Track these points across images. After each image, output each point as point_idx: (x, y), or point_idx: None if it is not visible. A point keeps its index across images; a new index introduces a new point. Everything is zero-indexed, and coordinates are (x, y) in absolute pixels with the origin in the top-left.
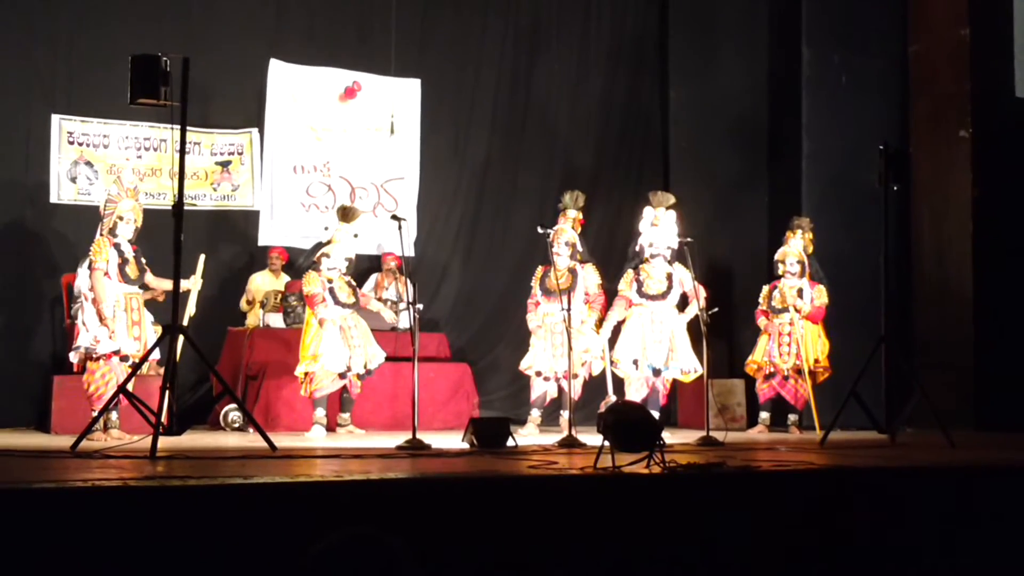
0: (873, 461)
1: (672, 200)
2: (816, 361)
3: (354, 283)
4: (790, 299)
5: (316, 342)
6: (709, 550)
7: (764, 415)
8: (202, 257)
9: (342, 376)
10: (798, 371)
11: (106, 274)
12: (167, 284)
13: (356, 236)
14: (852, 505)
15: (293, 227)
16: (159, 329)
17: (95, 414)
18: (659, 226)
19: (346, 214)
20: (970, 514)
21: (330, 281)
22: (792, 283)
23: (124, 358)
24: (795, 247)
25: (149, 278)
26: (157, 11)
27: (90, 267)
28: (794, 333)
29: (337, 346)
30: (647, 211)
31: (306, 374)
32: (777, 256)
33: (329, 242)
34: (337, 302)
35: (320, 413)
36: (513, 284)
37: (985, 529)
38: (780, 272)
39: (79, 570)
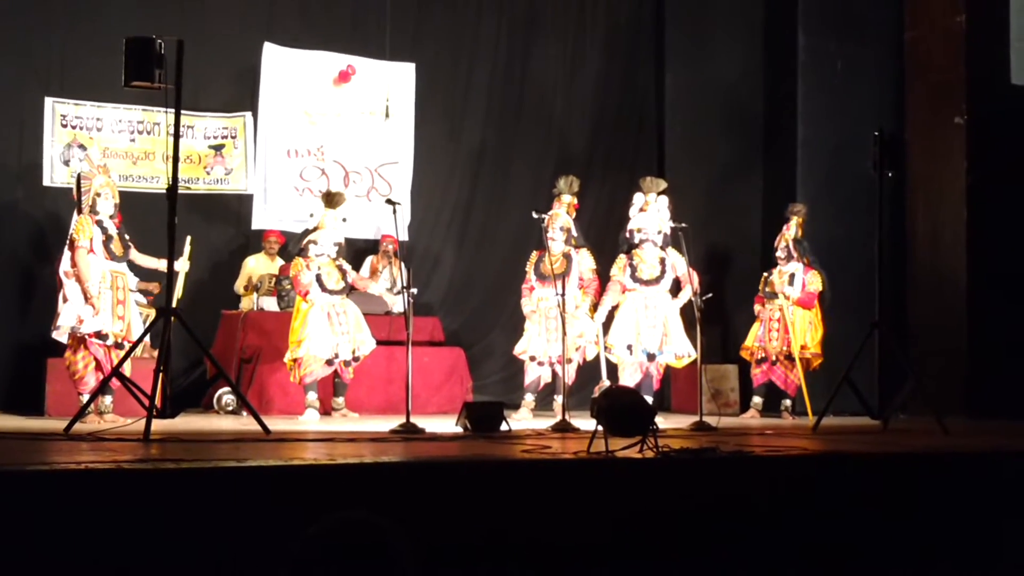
0: (866, 447)
1: (663, 185)
2: (803, 347)
3: (347, 267)
4: (778, 285)
5: (302, 327)
6: (702, 535)
7: (757, 400)
8: (188, 239)
9: (329, 363)
10: (788, 356)
11: (90, 251)
12: (152, 261)
13: (344, 220)
14: (845, 491)
15: (286, 211)
16: (151, 312)
17: (83, 397)
18: (648, 211)
19: (331, 199)
20: (963, 501)
21: (318, 268)
22: (786, 268)
23: (105, 337)
24: (788, 234)
25: (134, 254)
26: None
27: (71, 246)
28: (784, 319)
29: (323, 332)
30: (637, 197)
31: (294, 360)
32: (775, 242)
33: (316, 228)
34: (324, 289)
35: (312, 396)
36: (507, 269)
37: (978, 515)
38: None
39: (73, 552)
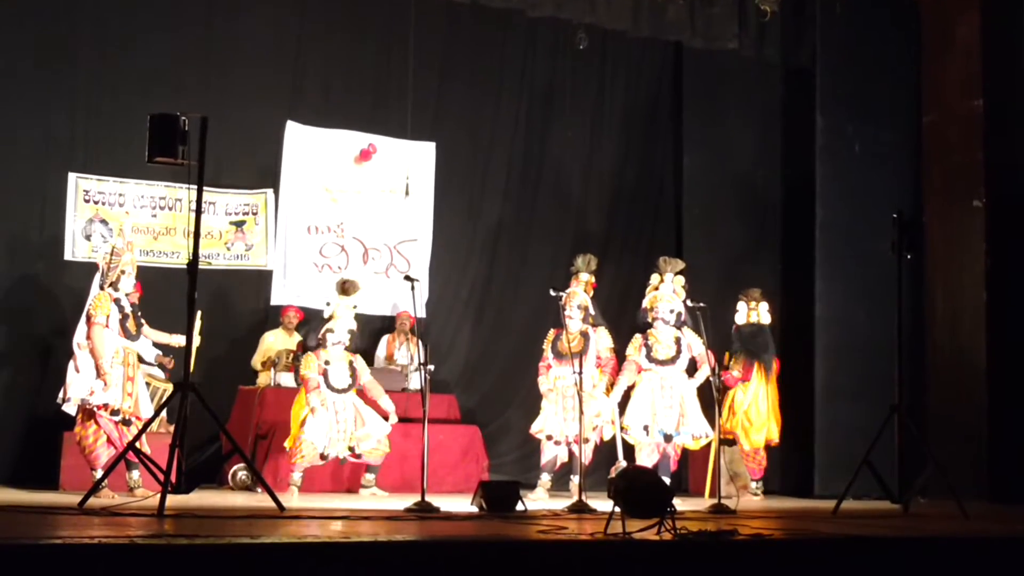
0: (886, 531)
1: (680, 265)
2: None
3: (360, 365)
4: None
5: (307, 419)
6: None
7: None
8: (199, 314)
9: (323, 457)
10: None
11: (106, 326)
12: (162, 336)
13: (355, 307)
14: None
15: (306, 287)
16: (168, 387)
17: (96, 473)
18: (660, 291)
19: (345, 288)
20: None
21: (327, 363)
22: None
23: (115, 412)
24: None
25: (147, 330)
26: (176, 72)
27: (88, 320)
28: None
29: (322, 426)
30: (653, 276)
31: (291, 447)
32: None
33: (331, 318)
34: (330, 387)
35: (296, 477)
36: (524, 347)
37: None
38: None
39: None
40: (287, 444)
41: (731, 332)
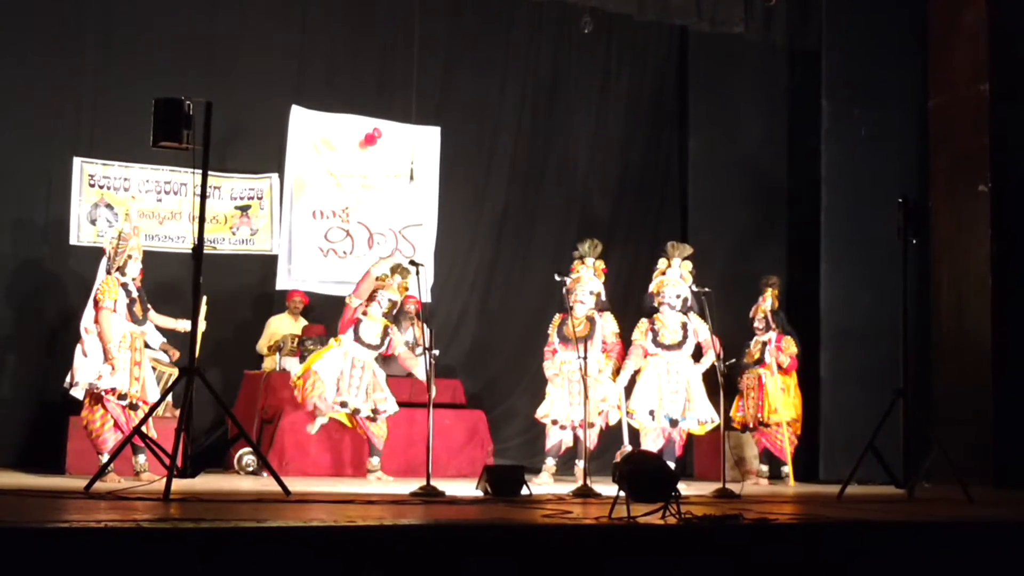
0: (891, 516)
1: (688, 251)
2: (773, 411)
3: (396, 335)
4: (758, 355)
5: (318, 357)
6: None
7: (762, 468)
8: (204, 299)
9: (343, 405)
10: (764, 424)
11: (114, 311)
12: (168, 321)
13: (406, 289)
14: (869, 560)
15: (311, 272)
16: (174, 371)
17: (103, 457)
18: (667, 276)
19: (403, 272)
20: (988, 571)
21: (364, 313)
22: (763, 339)
23: (123, 397)
24: (764, 305)
25: (153, 315)
26: (181, 57)
27: (96, 304)
28: (761, 386)
29: (334, 367)
30: (661, 261)
31: (302, 379)
32: (751, 314)
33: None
34: (359, 339)
35: (320, 421)
36: (529, 331)
37: None
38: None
39: None
40: (295, 383)
41: (770, 318)
